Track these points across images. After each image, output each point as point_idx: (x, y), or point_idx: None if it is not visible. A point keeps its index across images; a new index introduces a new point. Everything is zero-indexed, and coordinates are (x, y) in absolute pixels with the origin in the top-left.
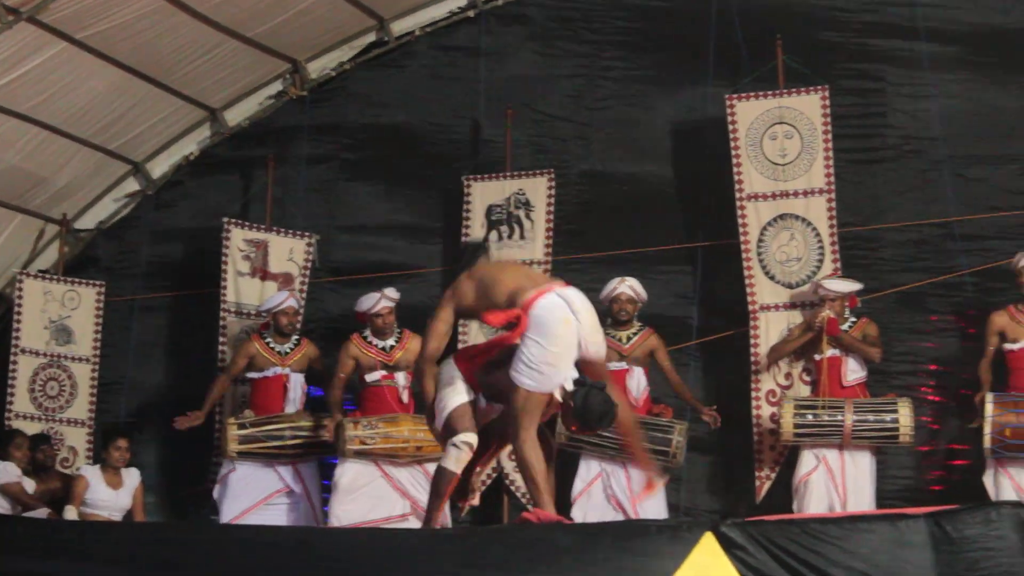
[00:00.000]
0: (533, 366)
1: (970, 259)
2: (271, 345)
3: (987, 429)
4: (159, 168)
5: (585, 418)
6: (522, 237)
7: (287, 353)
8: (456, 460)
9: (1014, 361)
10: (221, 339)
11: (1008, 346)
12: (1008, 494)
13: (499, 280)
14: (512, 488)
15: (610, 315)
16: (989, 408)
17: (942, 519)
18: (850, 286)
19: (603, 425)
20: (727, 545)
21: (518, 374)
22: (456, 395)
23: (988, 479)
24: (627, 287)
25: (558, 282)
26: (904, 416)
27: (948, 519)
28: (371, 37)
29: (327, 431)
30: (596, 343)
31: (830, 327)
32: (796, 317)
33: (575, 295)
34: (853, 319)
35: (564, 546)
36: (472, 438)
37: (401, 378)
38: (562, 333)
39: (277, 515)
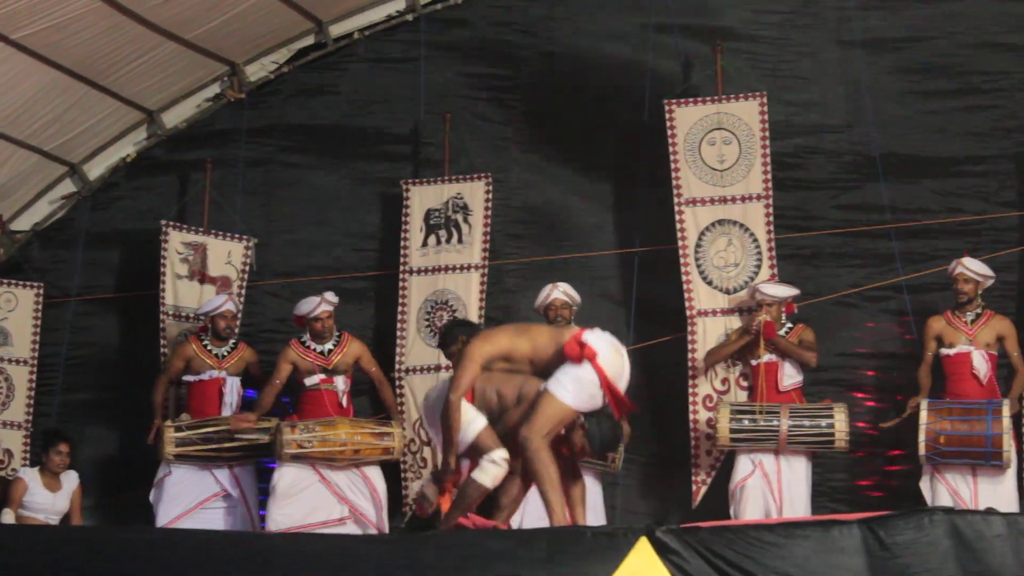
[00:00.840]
0: (579, 383)
1: (907, 265)
2: (208, 348)
3: (921, 436)
4: (96, 170)
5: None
6: (460, 241)
7: (224, 356)
8: (494, 477)
9: (950, 366)
10: (162, 342)
11: (945, 351)
12: (944, 499)
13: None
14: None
15: (546, 321)
16: (924, 415)
17: (875, 525)
18: (787, 291)
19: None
20: (662, 550)
21: (560, 387)
22: (477, 418)
23: (924, 485)
24: (560, 292)
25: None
26: (840, 421)
27: (881, 525)
28: (309, 40)
29: (241, 421)
30: (625, 381)
31: (767, 330)
32: (734, 322)
33: (610, 337)
34: (790, 325)
35: (498, 551)
36: (507, 454)
37: (340, 382)
38: (613, 360)
39: (213, 519)
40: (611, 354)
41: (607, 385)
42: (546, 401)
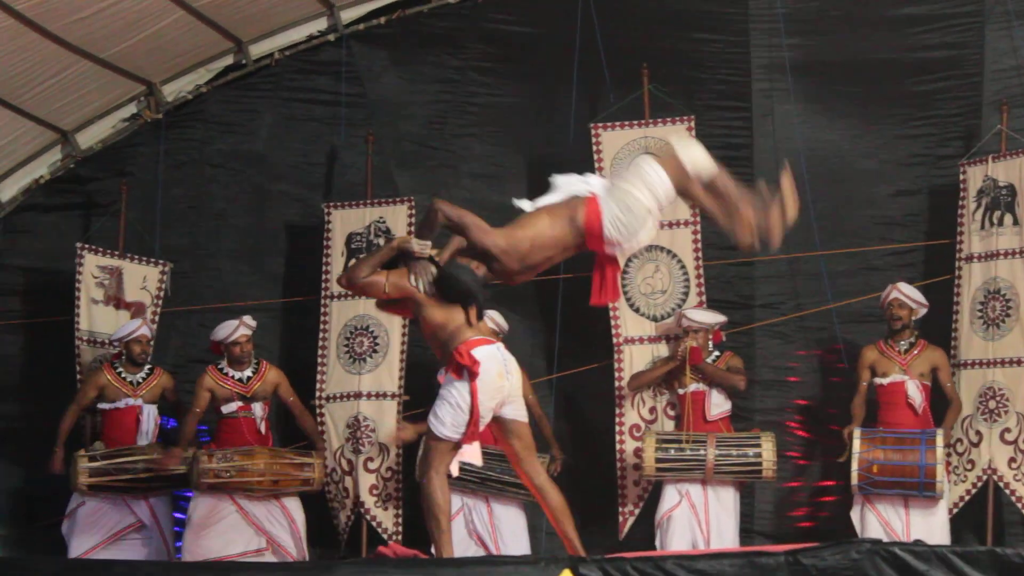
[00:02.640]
0: (454, 410)
1: (837, 294)
2: (123, 375)
3: (854, 465)
4: (8, 191)
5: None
6: None
7: (139, 383)
8: None
9: (883, 395)
10: (77, 368)
11: (878, 380)
12: (875, 530)
13: None
14: (373, 523)
15: None
16: (856, 444)
17: (802, 556)
18: (714, 318)
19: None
20: None
21: (438, 423)
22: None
23: (855, 515)
24: (487, 320)
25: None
26: (767, 451)
27: (808, 556)
28: (229, 60)
29: (170, 459)
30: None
31: (693, 356)
32: (661, 350)
33: (504, 357)
34: (717, 353)
35: None
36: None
37: (258, 409)
38: (493, 385)
39: (128, 550)
40: (492, 378)
41: (474, 410)
42: (432, 439)
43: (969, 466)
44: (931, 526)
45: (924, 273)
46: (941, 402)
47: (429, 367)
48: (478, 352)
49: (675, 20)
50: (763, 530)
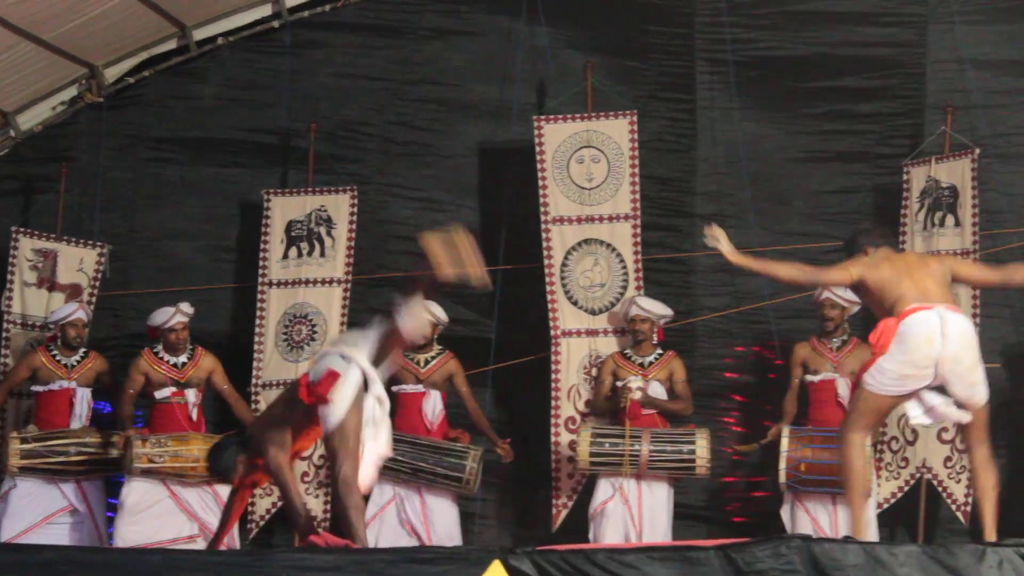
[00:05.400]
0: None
1: (776, 289)
2: (57, 358)
3: (782, 464)
4: None
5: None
6: (323, 255)
7: (74, 366)
8: None
9: (814, 393)
10: (4, 351)
11: (809, 377)
12: (804, 527)
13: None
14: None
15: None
16: (785, 443)
17: (732, 551)
18: (662, 309)
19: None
20: (515, 574)
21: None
22: None
23: (785, 512)
24: (426, 311)
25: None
26: (701, 447)
27: (738, 551)
28: (172, 44)
29: (117, 447)
30: (963, 379)
31: (632, 409)
32: (598, 343)
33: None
34: (660, 351)
35: (350, 570)
36: None
37: (191, 395)
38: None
39: (60, 534)
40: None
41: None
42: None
43: (903, 463)
44: None
45: None
46: None
47: None
48: (333, 391)
49: (621, 11)
50: (696, 524)
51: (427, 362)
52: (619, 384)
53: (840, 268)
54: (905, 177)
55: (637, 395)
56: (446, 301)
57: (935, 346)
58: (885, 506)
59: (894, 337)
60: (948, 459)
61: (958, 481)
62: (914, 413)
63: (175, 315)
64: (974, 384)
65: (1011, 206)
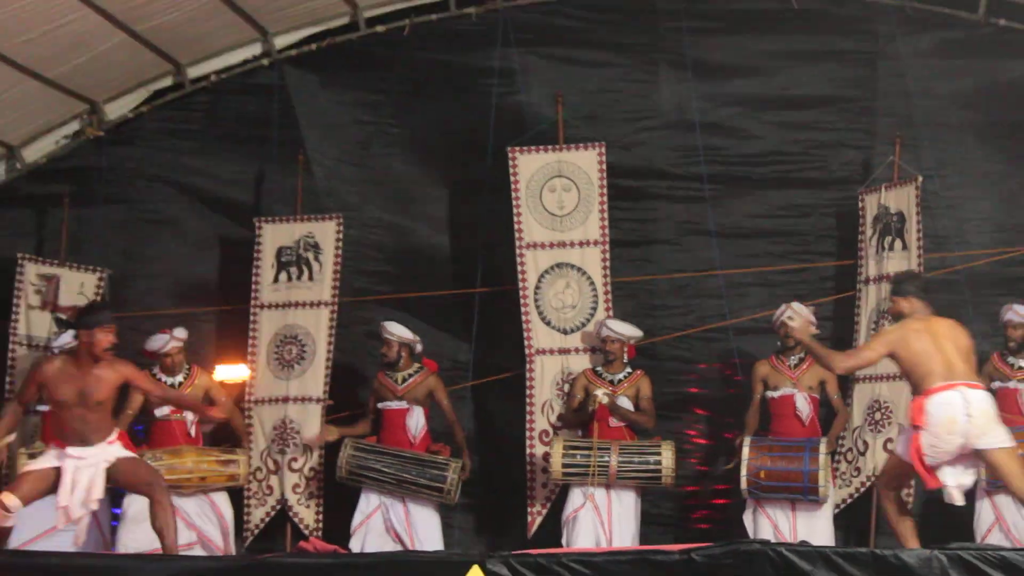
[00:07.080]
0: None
1: (737, 309)
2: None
3: (743, 471)
4: None
5: None
6: (311, 279)
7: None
8: None
9: (774, 408)
10: (10, 370)
11: (770, 393)
12: (765, 531)
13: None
14: (296, 519)
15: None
16: (745, 452)
17: (695, 554)
18: (632, 331)
19: None
20: None
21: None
22: None
23: (747, 518)
24: (388, 333)
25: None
26: (666, 459)
27: (700, 554)
28: (167, 81)
29: None
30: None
31: (601, 420)
32: (571, 361)
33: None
34: (629, 370)
35: (336, 574)
36: None
37: (189, 413)
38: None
39: (65, 543)
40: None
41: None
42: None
43: (855, 472)
44: (815, 528)
45: (818, 291)
46: (830, 413)
47: (353, 373)
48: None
49: (587, 49)
50: (663, 530)
51: (404, 380)
52: (591, 406)
53: (873, 349)
54: (860, 204)
55: (604, 399)
56: (426, 324)
57: (958, 425)
58: (836, 511)
59: (923, 416)
60: None
61: None
62: (951, 483)
63: (169, 342)
64: (994, 439)
65: (957, 231)
